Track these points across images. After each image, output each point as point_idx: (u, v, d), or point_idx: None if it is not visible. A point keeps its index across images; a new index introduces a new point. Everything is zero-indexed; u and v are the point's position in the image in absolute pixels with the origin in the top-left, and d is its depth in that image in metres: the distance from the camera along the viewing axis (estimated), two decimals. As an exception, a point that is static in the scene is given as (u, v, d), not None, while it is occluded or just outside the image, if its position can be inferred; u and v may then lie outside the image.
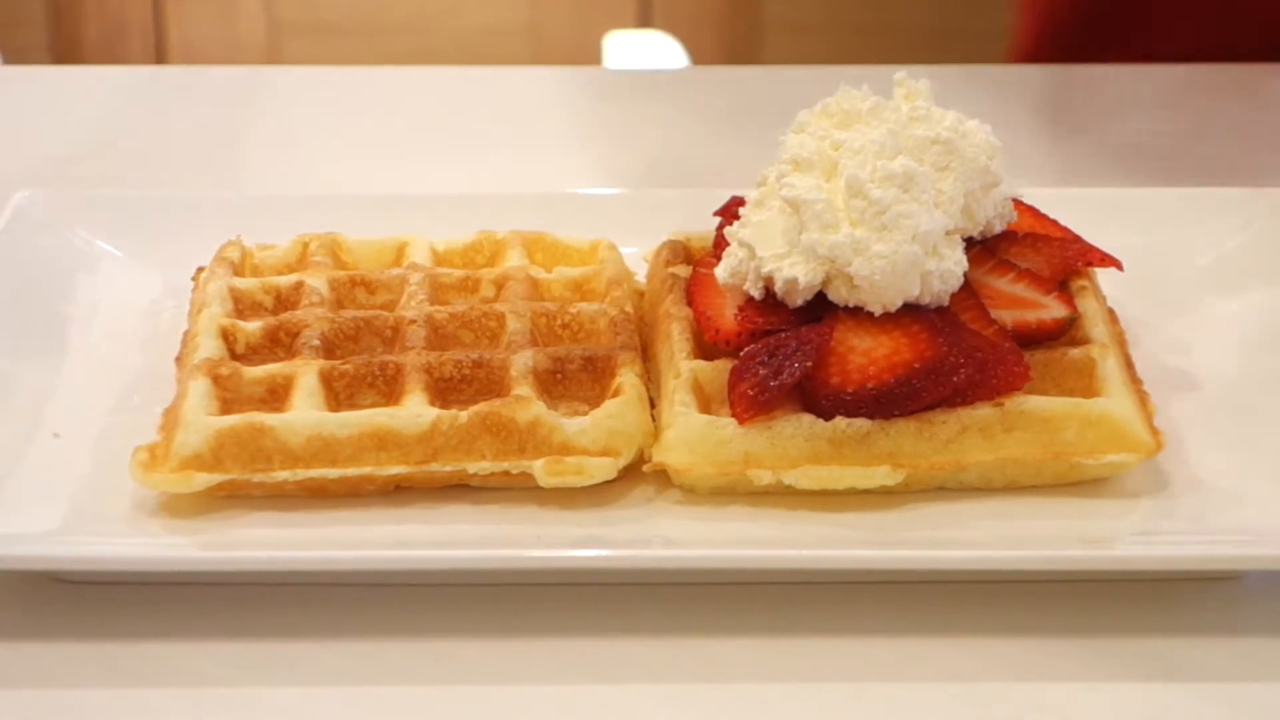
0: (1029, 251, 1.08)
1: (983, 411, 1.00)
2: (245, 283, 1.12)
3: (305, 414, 1.00)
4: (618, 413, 1.01)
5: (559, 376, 1.05)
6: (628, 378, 1.04)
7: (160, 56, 3.25)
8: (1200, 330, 1.14)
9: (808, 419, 0.99)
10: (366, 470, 1.00)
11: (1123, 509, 1.00)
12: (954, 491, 1.00)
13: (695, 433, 1.00)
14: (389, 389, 1.04)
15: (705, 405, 1.02)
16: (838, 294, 1.02)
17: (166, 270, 1.18)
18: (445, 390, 1.04)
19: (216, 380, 1.03)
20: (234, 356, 1.07)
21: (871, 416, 0.99)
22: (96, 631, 0.95)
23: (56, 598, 0.97)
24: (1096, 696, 0.92)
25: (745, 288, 1.04)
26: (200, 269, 1.15)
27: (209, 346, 1.06)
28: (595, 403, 1.03)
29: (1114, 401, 1.01)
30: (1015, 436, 1.00)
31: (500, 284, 1.12)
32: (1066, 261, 1.08)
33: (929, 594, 0.97)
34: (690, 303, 1.08)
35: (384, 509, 1.00)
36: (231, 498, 1.00)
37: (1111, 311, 1.10)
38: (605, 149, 1.50)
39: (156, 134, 1.51)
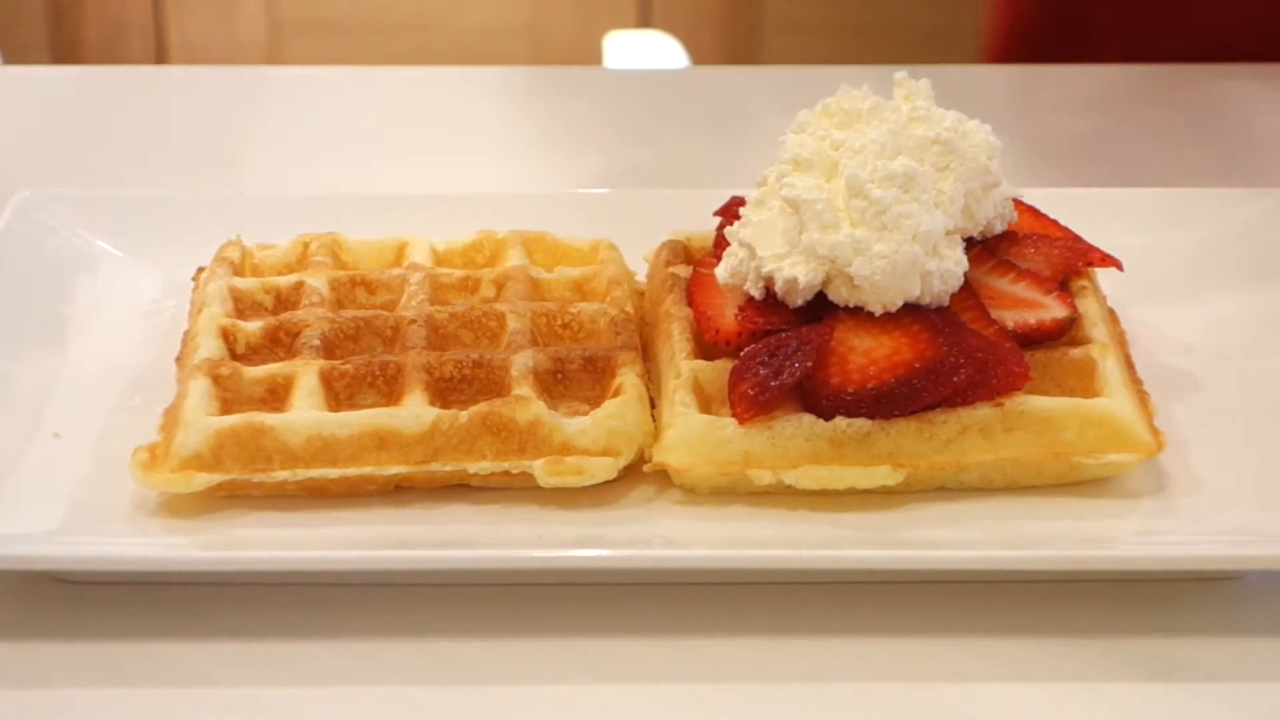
0: (1029, 252, 1.08)
1: (983, 411, 1.00)
2: (245, 283, 1.12)
3: (305, 414, 1.00)
4: (618, 413, 1.01)
5: (559, 376, 1.05)
6: (628, 378, 1.04)
7: (160, 56, 3.25)
8: (1200, 330, 1.14)
9: (808, 419, 0.99)
10: (367, 470, 1.00)
11: (1123, 509, 1.00)
12: (954, 491, 1.00)
13: (695, 433, 1.00)
14: (389, 389, 1.04)
15: (706, 405, 1.02)
16: (838, 294, 1.02)
17: (166, 270, 1.18)
18: (445, 390, 1.04)
19: (217, 380, 1.03)
20: (234, 356, 1.07)
21: (872, 416, 0.99)
22: (96, 631, 0.95)
23: (56, 598, 0.97)
24: (1096, 696, 0.92)
25: (745, 288, 1.04)
26: (200, 269, 1.15)
27: (209, 346, 1.06)
28: (595, 403, 1.03)
29: (1114, 401, 1.01)
30: (1015, 436, 1.00)
31: (500, 284, 1.12)
32: (1067, 262, 1.08)
33: (929, 594, 0.97)
34: (690, 303, 1.08)
35: (384, 509, 1.00)
36: (231, 498, 1.00)
37: (1112, 311, 1.10)
38: (605, 149, 1.50)
39: (156, 134, 1.51)
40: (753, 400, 0.99)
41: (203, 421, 1.00)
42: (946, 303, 1.02)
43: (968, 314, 1.02)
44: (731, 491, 1.00)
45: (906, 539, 0.98)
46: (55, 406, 1.07)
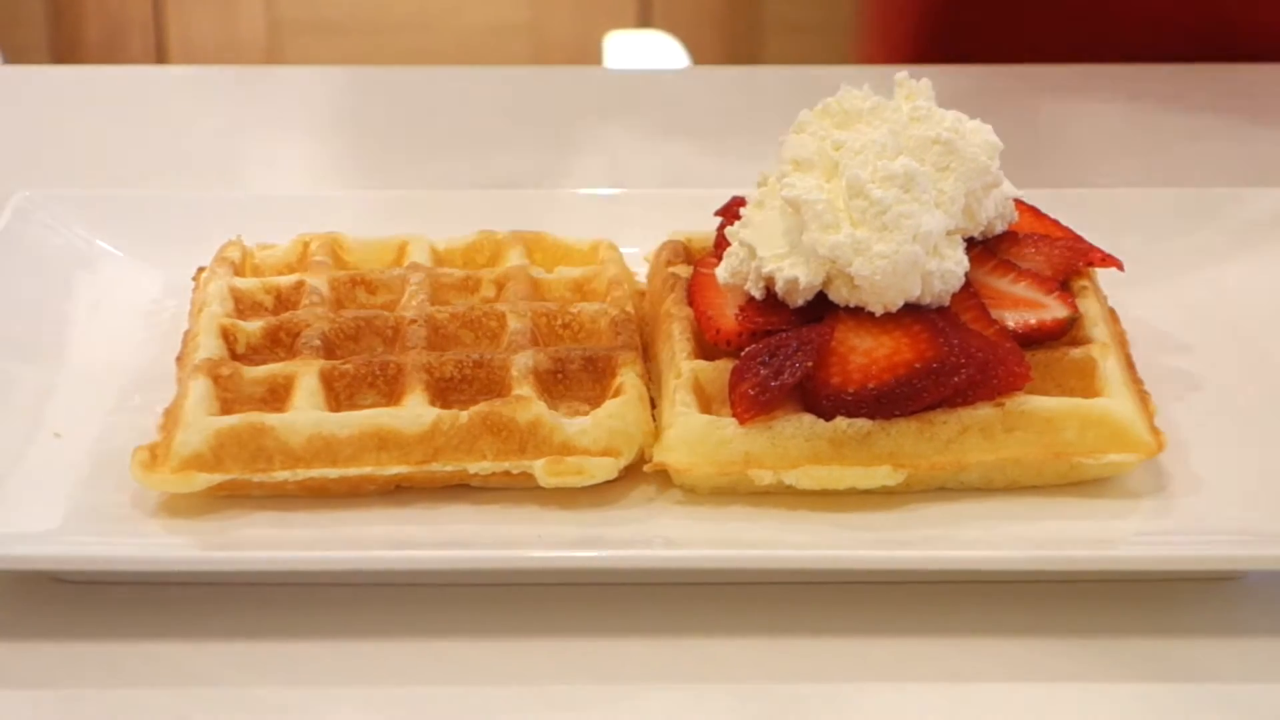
0: (1030, 252, 1.08)
1: (983, 411, 1.00)
2: (246, 282, 1.12)
3: (306, 414, 1.00)
4: (618, 413, 1.01)
5: (560, 376, 1.05)
6: (628, 378, 1.04)
7: (160, 56, 3.25)
8: (1200, 330, 1.14)
9: (808, 419, 0.99)
10: (367, 470, 1.00)
11: (1123, 509, 1.00)
12: (954, 491, 1.00)
13: (696, 433, 1.00)
14: (389, 389, 1.04)
15: (706, 405, 1.02)
16: (838, 294, 1.02)
17: (166, 270, 1.18)
18: (446, 390, 1.04)
19: (217, 380, 1.03)
20: (234, 356, 1.07)
21: (872, 416, 0.99)
22: (96, 631, 0.95)
23: (56, 598, 0.97)
24: (1096, 696, 0.92)
25: (746, 288, 1.04)
26: (201, 269, 1.15)
27: (209, 346, 1.06)
28: (596, 403, 1.03)
29: (1115, 401, 1.01)
30: (1016, 436, 1.00)
31: (501, 284, 1.12)
32: (1067, 261, 1.08)
33: (929, 594, 0.97)
34: (691, 303, 1.08)
35: (384, 509, 1.00)
36: (232, 498, 1.00)
37: (1112, 311, 1.10)
38: (605, 149, 1.50)
39: (156, 134, 1.51)
40: (753, 400, 0.99)
41: (203, 421, 1.00)
42: (947, 303, 1.02)
43: (968, 314, 1.02)
44: (732, 491, 1.00)
45: (906, 539, 0.98)
46: (55, 406, 1.07)
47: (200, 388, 1.02)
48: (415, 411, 1.00)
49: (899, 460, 0.99)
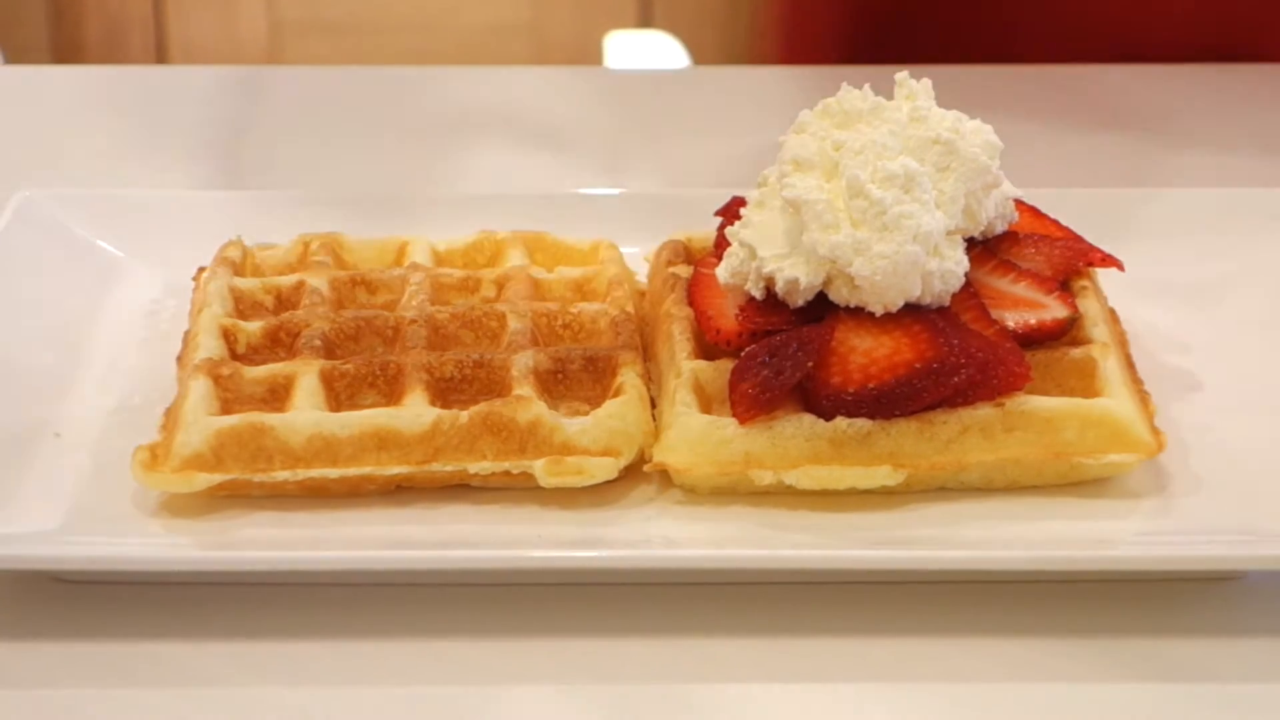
0: (1030, 252, 1.08)
1: (984, 412, 1.00)
2: (246, 282, 1.12)
3: (306, 414, 1.00)
4: (618, 413, 1.01)
5: (560, 376, 1.05)
6: (629, 377, 1.04)
7: (160, 56, 3.25)
8: (1200, 330, 1.14)
9: (808, 419, 0.99)
10: (367, 470, 1.00)
11: (1123, 509, 1.00)
12: (954, 491, 1.00)
13: (696, 432, 1.00)
14: (390, 389, 1.04)
15: (706, 405, 1.02)
16: (839, 294, 1.02)
17: (166, 270, 1.18)
18: (446, 390, 1.04)
19: (217, 380, 1.03)
20: (235, 356, 1.07)
21: (872, 416, 0.99)
22: (96, 631, 0.95)
23: (56, 598, 0.97)
24: (1096, 696, 0.92)
25: (746, 288, 1.04)
26: (201, 269, 1.15)
27: (210, 346, 1.06)
28: (596, 403, 1.03)
29: (1115, 401, 1.01)
30: (1016, 436, 1.00)
31: (501, 284, 1.12)
32: (1068, 262, 1.08)
33: (929, 594, 0.97)
34: (691, 303, 1.08)
35: (384, 509, 1.00)
36: (232, 497, 1.00)
37: (1113, 312, 1.10)
38: (605, 149, 1.50)
39: (156, 134, 1.51)
40: (753, 400, 0.99)
41: (203, 421, 1.00)
42: (947, 303, 1.02)
43: (968, 314, 1.02)
44: (732, 491, 1.00)
45: (906, 539, 0.98)
46: (55, 406, 1.07)
47: (200, 388, 1.02)
48: (415, 411, 1.00)
49: (899, 460, 0.99)
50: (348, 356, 1.06)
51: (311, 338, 1.06)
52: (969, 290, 1.03)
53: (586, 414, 1.01)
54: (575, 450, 1.00)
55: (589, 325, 1.09)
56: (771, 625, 0.95)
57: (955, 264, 1.02)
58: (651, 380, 1.06)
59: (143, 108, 1.56)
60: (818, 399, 0.99)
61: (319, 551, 0.96)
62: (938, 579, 0.97)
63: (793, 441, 0.99)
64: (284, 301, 1.12)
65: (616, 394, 1.03)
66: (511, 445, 1.00)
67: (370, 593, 0.97)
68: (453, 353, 1.05)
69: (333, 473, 0.99)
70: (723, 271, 1.05)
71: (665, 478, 1.01)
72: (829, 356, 1.00)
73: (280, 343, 1.07)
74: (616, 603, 0.96)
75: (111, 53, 3.22)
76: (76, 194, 1.24)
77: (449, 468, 1.00)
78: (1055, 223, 1.12)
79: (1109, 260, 1.10)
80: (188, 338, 1.09)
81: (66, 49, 3.23)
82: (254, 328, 1.08)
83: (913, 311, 1.01)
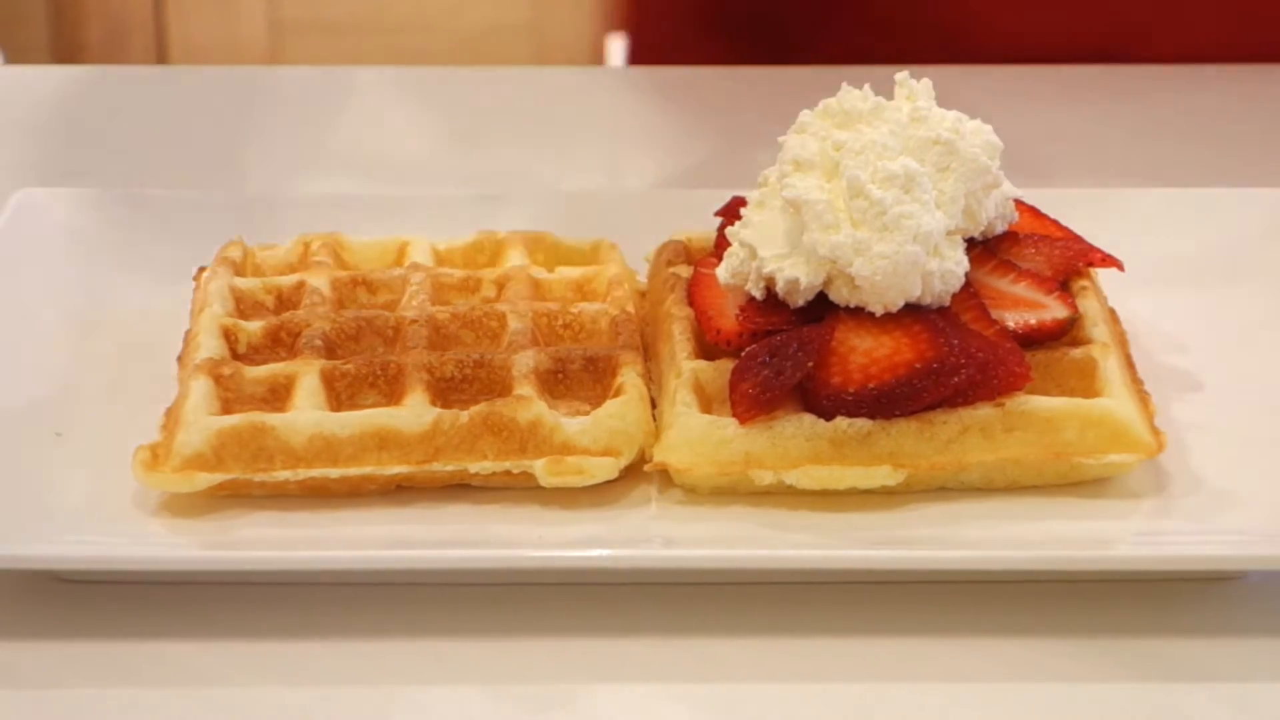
0: (1030, 252, 1.08)
1: (984, 412, 1.00)
2: (247, 282, 1.12)
3: (307, 414, 1.01)
4: (619, 412, 1.01)
5: (560, 376, 1.05)
6: (629, 377, 1.04)
7: (161, 56, 3.25)
8: (1200, 330, 1.14)
9: (809, 419, 0.99)
10: (368, 470, 1.00)
11: (1123, 509, 1.00)
12: (954, 491, 1.00)
13: (696, 432, 1.00)
14: (390, 389, 1.04)
15: (706, 405, 1.02)
16: (839, 294, 1.02)
17: (167, 270, 1.18)
18: (446, 390, 1.04)
19: (218, 380, 1.03)
20: (235, 356, 1.07)
21: (872, 416, 0.99)
22: (97, 631, 0.95)
23: (56, 598, 0.97)
24: (1096, 696, 0.92)
25: (746, 288, 1.04)
26: (201, 269, 1.15)
27: (210, 346, 1.06)
28: (597, 402, 1.03)
29: (1115, 402, 1.01)
30: (1016, 437, 1.00)
31: (501, 284, 1.12)
32: (1068, 262, 1.08)
33: (929, 594, 0.97)
34: (691, 303, 1.08)
35: (385, 509, 1.00)
36: (233, 497, 1.00)
37: (1113, 311, 1.10)
38: (606, 149, 1.50)
39: (156, 134, 1.51)
40: (754, 400, 0.99)
41: (204, 421, 1.00)
42: (947, 303, 1.02)
43: (968, 314, 1.02)
44: (732, 491, 1.00)
45: (906, 539, 0.98)
46: (55, 406, 1.07)
47: (201, 387, 1.02)
48: (416, 411, 1.00)
49: (899, 460, 0.99)
50: (348, 356, 1.06)
51: (312, 337, 1.06)
52: (969, 290, 1.03)
53: (587, 414, 1.01)
54: (576, 450, 1.00)
55: (589, 325, 1.09)
56: (771, 625, 0.95)
57: (955, 264, 1.02)
58: (652, 380, 1.06)
59: (143, 108, 1.56)
60: (818, 399, 1.00)
61: (319, 551, 0.96)
62: (938, 579, 0.97)
63: (793, 441, 0.99)
64: (284, 301, 1.12)
65: (617, 394, 1.03)
66: (512, 445, 1.00)
67: (370, 593, 0.97)
68: (453, 353, 1.05)
69: (333, 472, 0.99)
70: (723, 271, 1.05)
71: (665, 478, 1.01)
72: (829, 356, 1.00)
73: (281, 342, 1.08)
74: (616, 603, 0.96)
75: (112, 53, 3.22)
76: (76, 194, 1.24)
77: (449, 468, 1.00)
78: (1055, 223, 1.12)
79: (1109, 260, 1.10)
80: (188, 337, 1.09)
81: (66, 49, 3.23)
82: (255, 327, 1.08)
83: (913, 311, 1.01)
